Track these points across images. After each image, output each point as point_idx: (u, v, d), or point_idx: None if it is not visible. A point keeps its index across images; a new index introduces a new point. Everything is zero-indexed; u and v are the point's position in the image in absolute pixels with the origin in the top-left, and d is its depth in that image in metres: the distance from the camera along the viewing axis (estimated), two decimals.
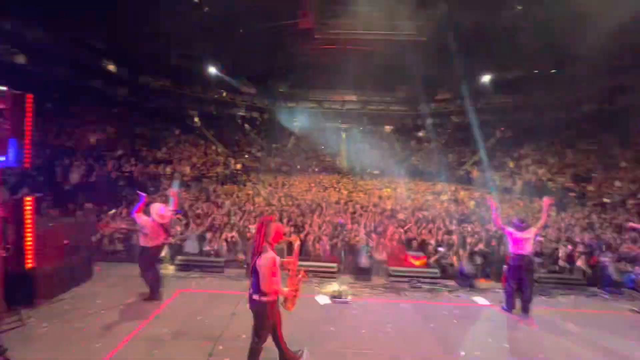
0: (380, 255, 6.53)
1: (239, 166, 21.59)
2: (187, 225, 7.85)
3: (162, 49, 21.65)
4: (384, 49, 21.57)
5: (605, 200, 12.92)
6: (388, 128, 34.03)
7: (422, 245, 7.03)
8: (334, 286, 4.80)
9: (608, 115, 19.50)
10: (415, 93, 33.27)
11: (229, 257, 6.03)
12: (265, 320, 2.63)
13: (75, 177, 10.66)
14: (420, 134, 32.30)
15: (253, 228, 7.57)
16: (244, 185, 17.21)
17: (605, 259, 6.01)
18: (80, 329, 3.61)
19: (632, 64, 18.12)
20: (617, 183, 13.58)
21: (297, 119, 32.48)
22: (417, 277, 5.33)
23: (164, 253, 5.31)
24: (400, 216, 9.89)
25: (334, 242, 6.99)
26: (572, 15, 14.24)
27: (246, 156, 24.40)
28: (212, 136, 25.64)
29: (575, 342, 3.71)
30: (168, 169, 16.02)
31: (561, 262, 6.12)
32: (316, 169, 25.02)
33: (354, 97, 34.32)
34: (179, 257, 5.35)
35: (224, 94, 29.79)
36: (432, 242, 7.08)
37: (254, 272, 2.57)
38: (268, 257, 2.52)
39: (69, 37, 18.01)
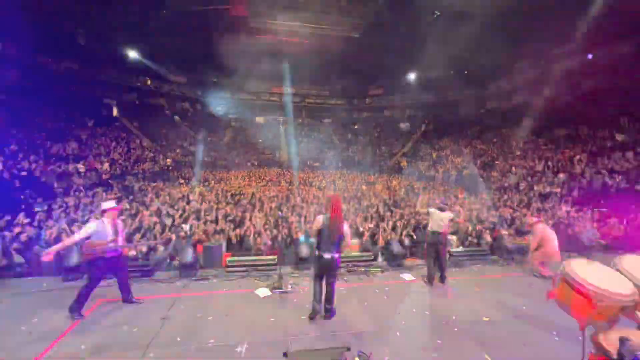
0: None
1: (168, 161, 19.85)
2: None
3: (64, 26, 18.48)
4: (319, 42, 21.85)
5: (505, 184, 15.43)
6: (326, 121, 34.84)
7: (358, 232, 7.49)
8: (274, 277, 4.83)
9: (506, 112, 23.10)
10: (351, 88, 34.74)
11: (160, 258, 5.58)
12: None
13: None
14: (356, 126, 33.88)
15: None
16: (177, 182, 15.94)
17: (504, 232, 7.27)
18: None
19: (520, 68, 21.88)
20: (513, 169, 16.28)
21: (234, 111, 31.05)
22: (353, 261, 5.67)
23: None
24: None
25: (275, 235, 6.99)
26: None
27: (177, 150, 22.51)
28: (136, 129, 22.96)
29: (479, 302, 4.43)
30: (81, 167, 13.96)
31: (471, 238, 7.16)
32: (255, 163, 24.41)
33: (292, 90, 34.15)
34: None
35: (148, 82, 26.77)
36: (367, 228, 7.61)
37: (338, 239, 3.57)
38: (347, 224, 3.68)
39: None
